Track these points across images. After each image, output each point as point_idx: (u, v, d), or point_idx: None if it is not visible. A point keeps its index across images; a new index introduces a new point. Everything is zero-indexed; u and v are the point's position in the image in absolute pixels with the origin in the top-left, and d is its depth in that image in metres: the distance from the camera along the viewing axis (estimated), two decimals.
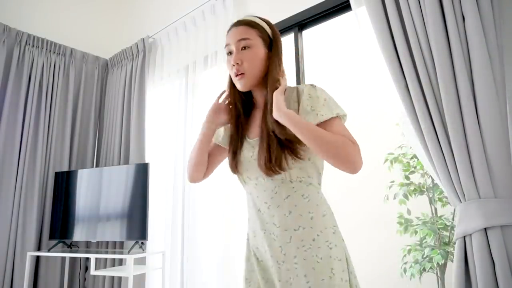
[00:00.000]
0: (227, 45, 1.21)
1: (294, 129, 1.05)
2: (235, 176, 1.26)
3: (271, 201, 1.14)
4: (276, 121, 1.10)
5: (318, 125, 1.10)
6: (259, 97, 1.25)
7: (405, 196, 2.90)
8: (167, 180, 2.78)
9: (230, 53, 1.20)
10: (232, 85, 1.26)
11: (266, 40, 1.20)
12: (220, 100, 1.28)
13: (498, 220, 1.34)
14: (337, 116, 1.13)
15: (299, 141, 1.09)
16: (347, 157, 1.02)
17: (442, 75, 1.49)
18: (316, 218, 1.10)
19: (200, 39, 2.70)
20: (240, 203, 2.25)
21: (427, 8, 1.55)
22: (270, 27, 1.23)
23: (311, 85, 1.17)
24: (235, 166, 1.22)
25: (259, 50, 1.18)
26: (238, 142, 1.22)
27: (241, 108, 1.26)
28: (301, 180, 1.13)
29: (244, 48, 1.17)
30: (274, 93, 1.09)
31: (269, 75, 1.17)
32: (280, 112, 1.06)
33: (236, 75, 1.17)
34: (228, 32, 1.22)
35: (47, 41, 3.16)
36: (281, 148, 1.10)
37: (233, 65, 1.17)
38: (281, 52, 1.23)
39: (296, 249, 1.09)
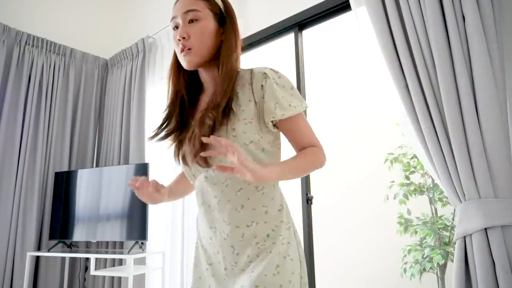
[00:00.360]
0: (173, 18, 1.06)
1: (281, 179, 1.00)
2: None
3: (221, 195, 1.03)
4: (218, 111, 0.99)
5: (289, 118, 1.03)
6: (207, 79, 1.10)
7: (405, 196, 2.90)
8: (167, 180, 2.78)
9: (176, 27, 1.06)
10: (176, 67, 1.13)
11: (217, 13, 1.07)
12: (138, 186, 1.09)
13: (498, 220, 1.34)
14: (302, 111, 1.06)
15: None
16: (319, 167, 1.05)
17: (442, 75, 1.49)
18: (271, 212, 1.02)
19: None
20: None
21: (427, 8, 1.55)
22: (222, 1, 1.10)
23: (271, 69, 1.05)
24: (179, 157, 1.10)
25: (209, 23, 1.04)
26: (181, 133, 1.10)
27: (185, 95, 1.12)
28: None
29: (192, 21, 1.03)
30: (244, 161, 0.86)
31: (223, 52, 1.04)
32: (264, 178, 0.90)
33: (182, 51, 1.03)
34: (174, 4, 1.08)
35: (47, 41, 3.16)
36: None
37: (179, 40, 1.03)
38: (237, 29, 1.11)
39: (249, 247, 0.99)
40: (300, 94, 2.23)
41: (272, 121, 1.03)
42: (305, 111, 1.10)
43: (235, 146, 0.85)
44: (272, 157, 1.06)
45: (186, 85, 1.13)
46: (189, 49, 1.02)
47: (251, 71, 1.05)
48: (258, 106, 1.01)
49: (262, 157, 1.03)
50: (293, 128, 1.05)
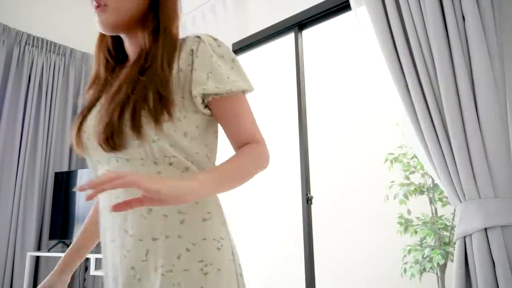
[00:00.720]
0: None
1: (216, 193, 0.72)
2: None
3: (125, 194, 0.76)
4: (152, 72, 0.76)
5: (227, 98, 0.78)
6: (131, 50, 0.87)
7: (405, 196, 2.90)
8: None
9: None
10: (100, 39, 0.92)
11: None
12: None
13: (498, 220, 1.34)
14: (243, 92, 0.80)
15: (172, 101, 0.75)
16: (263, 168, 0.80)
17: (442, 75, 1.49)
18: (190, 222, 0.74)
19: None
20: (240, 202, 2.25)
21: (427, 7, 1.55)
22: None
23: (211, 35, 0.83)
24: (77, 144, 0.83)
25: None
26: (89, 112, 0.85)
27: (104, 69, 0.90)
28: (171, 162, 0.75)
29: None
30: (151, 187, 0.60)
31: (163, 14, 0.83)
32: (193, 197, 0.64)
33: (96, 8, 0.80)
34: None
35: (47, 41, 3.16)
36: (137, 109, 0.73)
37: None
38: None
39: (153, 272, 0.71)
40: (300, 94, 2.24)
41: (202, 97, 0.77)
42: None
43: (130, 174, 0.60)
44: (202, 147, 0.80)
45: (105, 58, 0.90)
46: (105, 5, 0.79)
47: (184, 38, 0.84)
48: (182, 75, 0.77)
49: (186, 145, 0.77)
50: (232, 111, 0.79)
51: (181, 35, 0.89)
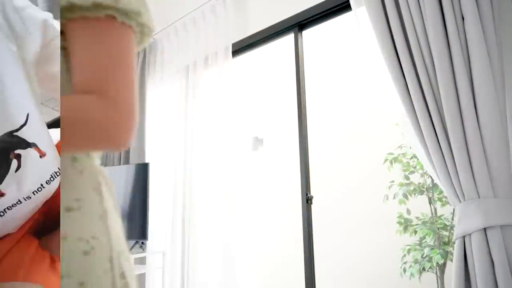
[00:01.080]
0: None
1: None
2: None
3: None
4: None
5: (76, 21, 0.50)
6: None
7: (405, 196, 2.90)
8: (167, 180, 2.79)
9: None
10: None
11: None
12: None
13: (497, 220, 1.35)
14: (109, 15, 0.50)
15: None
16: (88, 139, 0.51)
17: (442, 74, 1.49)
18: None
19: (200, 39, 2.71)
20: (241, 203, 2.26)
21: (426, 8, 1.55)
22: None
23: None
24: None
25: None
26: None
27: None
28: None
29: None
30: None
31: None
32: None
33: None
34: None
35: None
36: None
37: None
38: None
39: None
40: (300, 94, 2.24)
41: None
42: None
43: None
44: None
45: None
46: None
47: None
48: None
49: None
50: (77, 39, 0.50)
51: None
